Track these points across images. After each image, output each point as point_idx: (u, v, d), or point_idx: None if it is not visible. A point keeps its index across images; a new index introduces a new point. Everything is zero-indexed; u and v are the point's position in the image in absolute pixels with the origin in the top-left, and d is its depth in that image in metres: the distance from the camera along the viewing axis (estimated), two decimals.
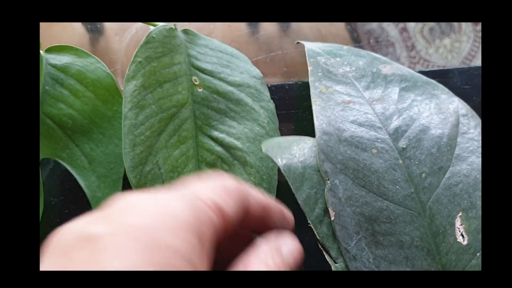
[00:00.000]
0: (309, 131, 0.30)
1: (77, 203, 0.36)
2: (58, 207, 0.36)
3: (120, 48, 0.40)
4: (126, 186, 0.33)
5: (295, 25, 0.42)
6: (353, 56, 0.34)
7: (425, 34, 0.52)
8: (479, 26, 0.51)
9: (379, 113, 0.30)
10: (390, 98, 0.30)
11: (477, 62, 0.46)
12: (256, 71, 0.35)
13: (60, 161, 0.33)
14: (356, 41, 0.46)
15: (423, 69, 0.41)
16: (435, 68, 0.36)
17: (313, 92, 0.31)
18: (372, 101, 0.30)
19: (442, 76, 0.36)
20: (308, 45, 0.35)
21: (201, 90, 0.33)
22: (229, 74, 0.34)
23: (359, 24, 0.47)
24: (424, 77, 0.32)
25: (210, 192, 0.19)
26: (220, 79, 0.33)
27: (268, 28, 0.42)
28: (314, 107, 0.30)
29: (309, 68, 0.33)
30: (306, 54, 0.34)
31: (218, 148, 0.32)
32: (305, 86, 0.34)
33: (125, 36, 0.40)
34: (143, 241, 0.16)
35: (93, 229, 0.16)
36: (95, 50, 0.37)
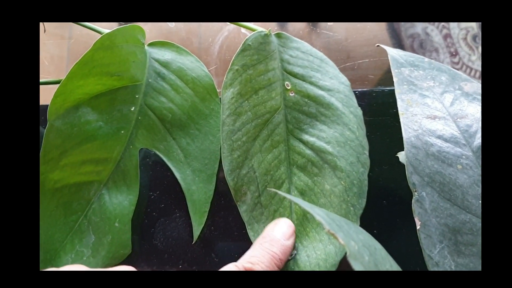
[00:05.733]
0: (396, 139, 0.31)
1: (174, 197, 0.37)
2: (157, 201, 0.37)
3: (213, 50, 0.41)
4: (219, 181, 0.35)
5: (329, 24, 0.43)
6: (435, 71, 0.35)
7: (469, 41, 0.53)
8: None
9: (463, 130, 0.32)
10: (473, 117, 0.32)
11: None
12: (344, 78, 0.36)
13: (157, 152, 0.35)
14: (397, 43, 0.47)
15: None
16: None
17: (400, 104, 0.33)
18: (457, 118, 0.32)
19: None
20: (391, 52, 0.36)
21: (292, 94, 0.34)
22: (319, 79, 0.35)
23: (402, 27, 0.49)
24: None
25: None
26: (311, 83, 0.35)
27: (298, 25, 0.42)
28: (402, 120, 0.32)
29: (395, 80, 0.34)
30: (390, 64, 0.35)
31: (309, 152, 0.34)
32: (392, 94, 0.35)
33: (218, 38, 0.41)
34: None
35: None
36: None
